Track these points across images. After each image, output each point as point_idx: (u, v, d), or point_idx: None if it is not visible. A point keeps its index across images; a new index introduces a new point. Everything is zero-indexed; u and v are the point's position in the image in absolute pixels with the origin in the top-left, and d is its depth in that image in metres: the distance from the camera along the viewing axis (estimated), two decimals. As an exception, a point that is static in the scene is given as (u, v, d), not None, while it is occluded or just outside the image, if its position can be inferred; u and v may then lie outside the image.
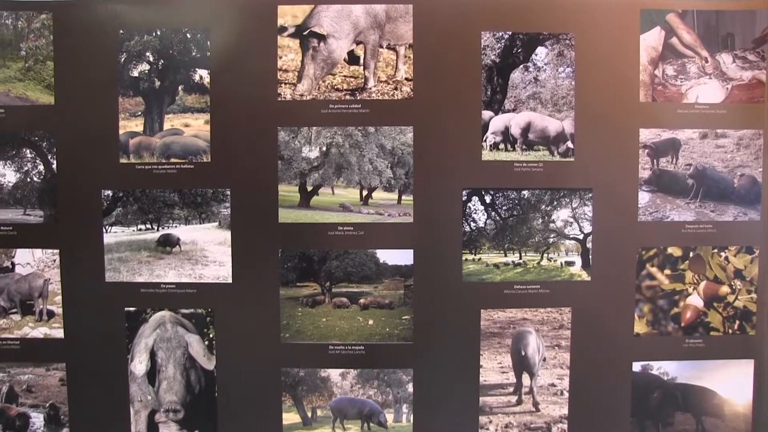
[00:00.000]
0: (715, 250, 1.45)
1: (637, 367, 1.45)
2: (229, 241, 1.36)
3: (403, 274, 1.37)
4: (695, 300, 1.45)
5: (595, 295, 1.40)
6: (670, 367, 1.46)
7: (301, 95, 1.34)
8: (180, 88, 1.37)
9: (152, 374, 1.40)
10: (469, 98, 1.35)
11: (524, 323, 1.41)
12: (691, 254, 1.45)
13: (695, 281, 1.45)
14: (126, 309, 1.40)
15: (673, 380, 1.45)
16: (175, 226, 1.40)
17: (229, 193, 1.35)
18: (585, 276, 1.41)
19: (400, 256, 1.37)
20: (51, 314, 1.42)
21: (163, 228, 1.40)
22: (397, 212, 1.37)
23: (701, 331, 1.46)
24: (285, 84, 1.34)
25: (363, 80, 1.37)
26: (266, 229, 1.35)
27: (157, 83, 1.37)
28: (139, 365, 1.38)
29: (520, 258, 1.42)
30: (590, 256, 1.40)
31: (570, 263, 1.42)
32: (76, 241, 1.40)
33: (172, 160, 1.36)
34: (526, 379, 1.42)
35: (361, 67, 1.38)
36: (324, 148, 1.38)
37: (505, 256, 1.42)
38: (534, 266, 1.42)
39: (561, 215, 1.41)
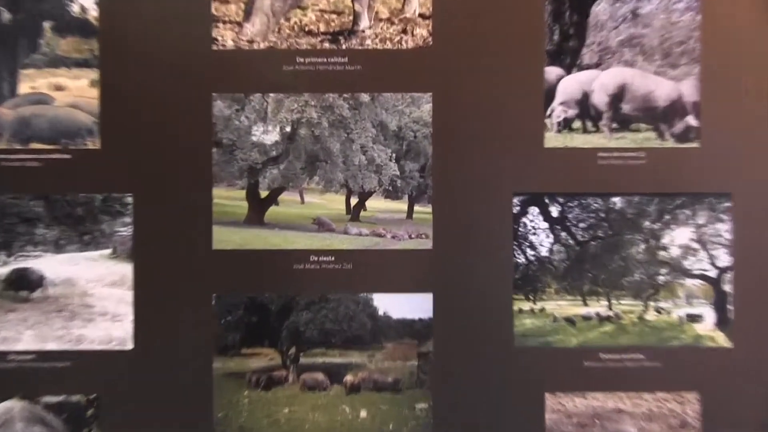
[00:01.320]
0: None
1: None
2: (129, 281, 1.05)
3: (417, 335, 1.08)
4: None
5: (738, 372, 1.07)
6: None
7: (251, 41, 1.05)
8: (47, 25, 1.05)
9: None
10: (524, 47, 1.05)
11: (620, 418, 1.06)
12: None
13: None
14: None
15: None
16: (38, 256, 1.07)
17: (130, 200, 1.05)
18: (722, 340, 1.07)
19: (412, 305, 1.08)
20: None
21: (16, 259, 1.07)
22: (407, 232, 1.11)
23: None
24: (224, 22, 1.04)
25: (352, 18, 1.06)
26: (192, 261, 1.07)
27: (6, 17, 1.04)
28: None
29: (610, 308, 1.09)
30: (729, 306, 1.07)
31: (695, 318, 1.08)
32: None
33: (34, 145, 1.05)
34: None
35: (349, -2, 1.07)
36: (288, 129, 1.11)
37: (585, 304, 1.10)
38: (634, 322, 1.09)
39: (678, 238, 1.07)
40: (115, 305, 1.03)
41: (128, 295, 1.02)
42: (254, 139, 1.08)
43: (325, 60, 1.03)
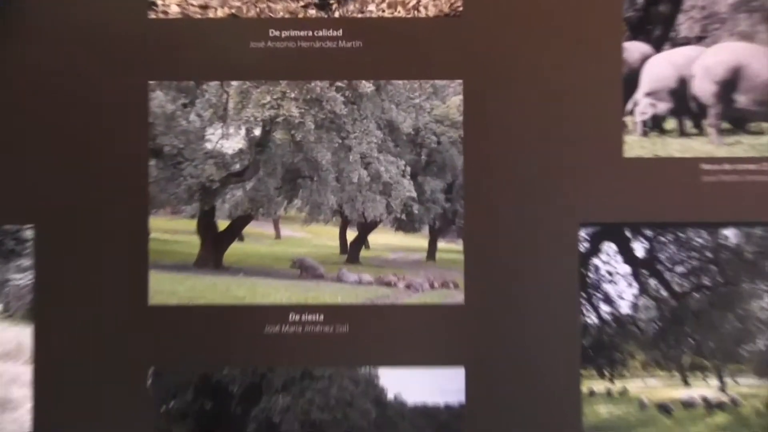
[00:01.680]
0: None
1: None
2: (27, 351, 0.87)
3: (443, 427, 0.89)
4: None
5: None
6: None
7: (205, 7, 0.88)
8: None
9: None
10: (594, 13, 0.88)
11: None
12: None
13: None
14: None
15: None
16: None
17: (30, 234, 0.89)
18: None
19: (436, 384, 0.89)
20: None
21: None
22: (428, 279, 0.95)
23: None
24: (166, -19, 0.87)
25: (348, -25, 0.91)
26: (119, 321, 0.89)
27: None
28: None
29: (723, 390, 0.89)
30: None
31: None
32: None
33: None
34: None
35: (344, -53, 0.95)
36: (257, 131, 0.96)
37: (686, 384, 0.89)
38: (758, 411, 0.88)
39: (822, 289, 0.85)
40: (6, 387, 0.84)
41: (25, 372, 0.84)
42: (209, 146, 0.91)
43: (311, 33, 0.86)
